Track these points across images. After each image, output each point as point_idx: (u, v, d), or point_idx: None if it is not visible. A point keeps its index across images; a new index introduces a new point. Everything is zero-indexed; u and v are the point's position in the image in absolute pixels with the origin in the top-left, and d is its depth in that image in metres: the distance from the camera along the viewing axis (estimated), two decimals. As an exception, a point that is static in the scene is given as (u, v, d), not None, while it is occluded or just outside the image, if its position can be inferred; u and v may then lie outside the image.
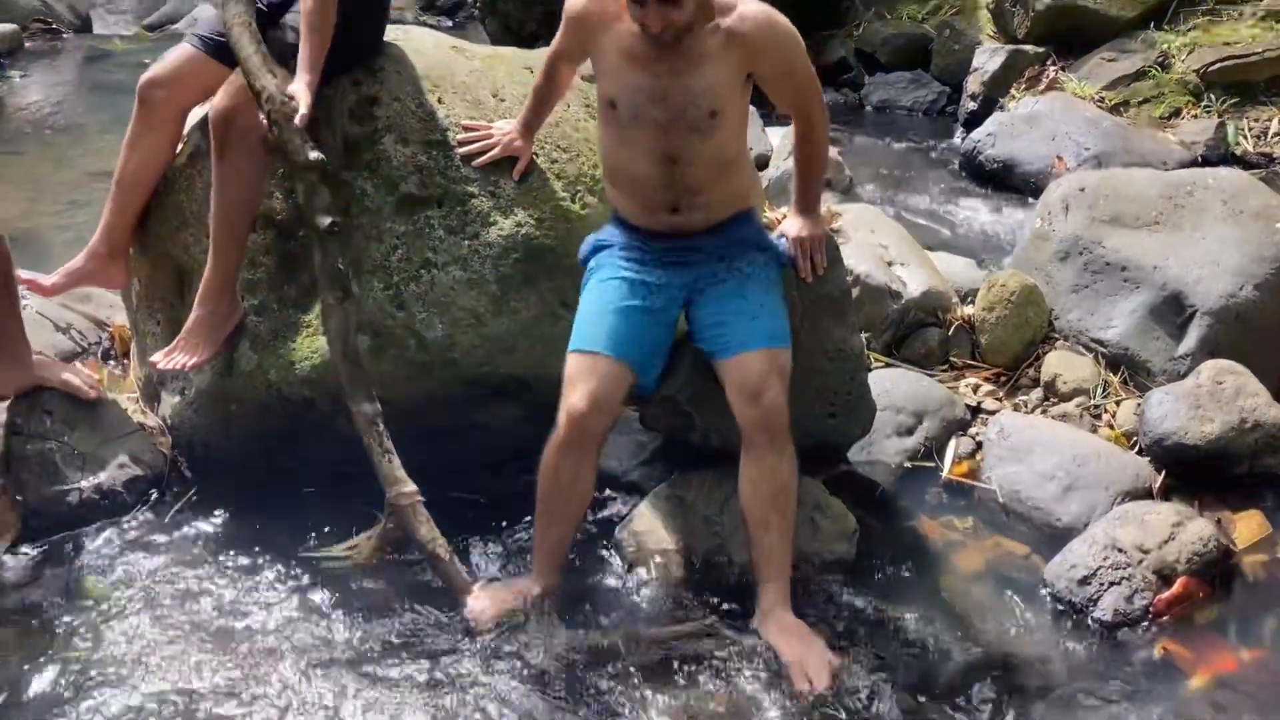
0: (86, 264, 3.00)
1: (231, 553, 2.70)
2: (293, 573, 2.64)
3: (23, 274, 2.92)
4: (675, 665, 2.36)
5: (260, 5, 2.82)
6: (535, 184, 2.93)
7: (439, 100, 2.93)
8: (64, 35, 8.35)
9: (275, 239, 2.90)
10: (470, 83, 3.02)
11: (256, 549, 2.71)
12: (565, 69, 2.81)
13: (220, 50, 2.81)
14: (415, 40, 3.11)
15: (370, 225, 2.84)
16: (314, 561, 2.68)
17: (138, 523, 2.79)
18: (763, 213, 3.51)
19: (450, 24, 8.99)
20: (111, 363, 3.50)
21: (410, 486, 2.55)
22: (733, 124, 2.55)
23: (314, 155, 2.59)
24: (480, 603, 2.47)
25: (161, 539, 2.74)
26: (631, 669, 2.34)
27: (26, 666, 2.35)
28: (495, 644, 2.39)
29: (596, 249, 2.71)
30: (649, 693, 2.29)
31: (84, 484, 2.77)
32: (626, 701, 2.27)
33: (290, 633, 2.46)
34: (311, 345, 2.81)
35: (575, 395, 2.50)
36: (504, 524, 2.80)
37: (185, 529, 2.78)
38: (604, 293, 2.61)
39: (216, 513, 2.83)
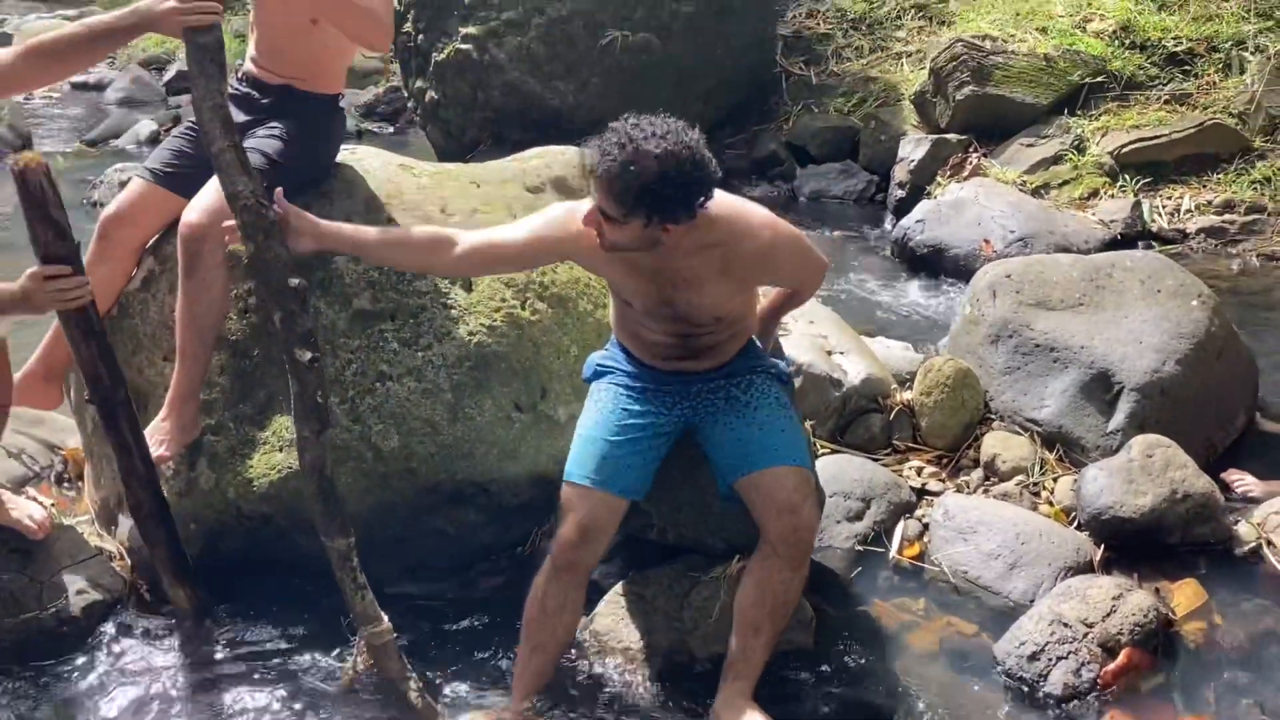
0: (21, 383, 3.03)
1: (199, 675, 2.70)
2: (264, 691, 2.64)
3: None
4: None
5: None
6: (485, 293, 3.03)
7: (389, 218, 3.03)
8: (4, 155, 8.38)
9: (230, 358, 2.95)
10: (419, 199, 3.13)
11: (223, 670, 2.71)
12: (444, 256, 2.59)
13: (174, 180, 2.89)
14: (364, 160, 3.22)
15: (325, 341, 2.91)
16: (287, 679, 2.68)
17: (100, 649, 2.77)
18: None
19: (391, 130, 9.15)
20: (65, 486, 3.50)
21: (383, 624, 2.52)
22: (739, 309, 2.62)
23: (294, 282, 2.46)
24: None
25: (125, 664, 2.73)
26: None
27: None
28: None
29: (599, 373, 2.74)
30: None
31: (43, 614, 2.76)
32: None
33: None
34: (269, 462, 2.85)
35: (566, 525, 2.53)
36: (467, 629, 2.83)
37: (149, 653, 2.77)
38: (603, 420, 2.63)
39: (179, 634, 2.82)
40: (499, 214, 3.19)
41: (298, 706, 2.60)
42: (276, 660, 2.74)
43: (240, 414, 2.94)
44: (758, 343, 2.78)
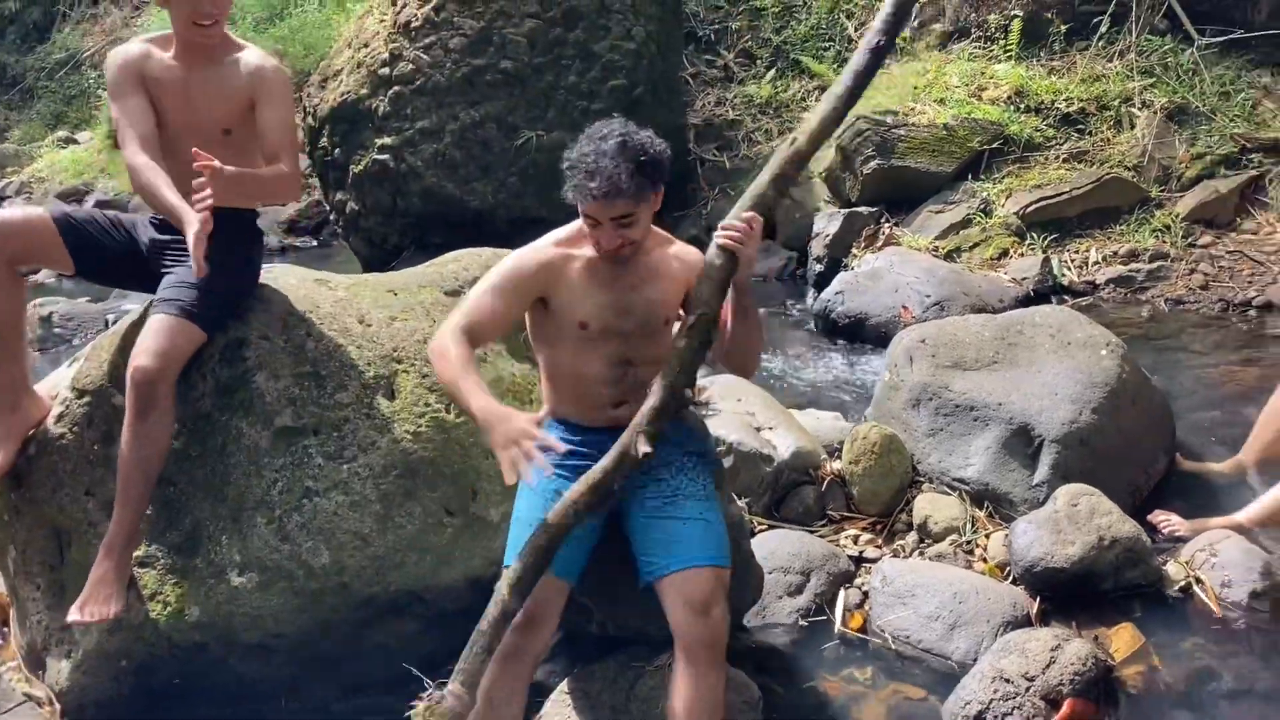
0: None
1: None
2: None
3: None
4: None
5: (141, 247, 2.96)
6: (409, 400, 3.04)
7: (306, 333, 3.04)
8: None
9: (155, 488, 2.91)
10: (336, 312, 3.14)
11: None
12: (501, 331, 2.79)
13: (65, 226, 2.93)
14: (280, 277, 3.24)
15: (248, 462, 2.89)
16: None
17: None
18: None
19: (315, 243, 9.17)
20: (-10, 632, 3.40)
21: (473, 700, 2.37)
22: (669, 337, 2.69)
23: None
24: None
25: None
26: None
27: None
28: None
29: None
30: None
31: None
32: None
33: None
34: (199, 590, 2.81)
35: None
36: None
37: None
38: (536, 504, 2.62)
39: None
40: (418, 320, 3.21)
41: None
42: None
43: (168, 543, 2.89)
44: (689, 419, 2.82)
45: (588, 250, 2.65)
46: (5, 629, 3.35)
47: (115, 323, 3.37)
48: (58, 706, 2.90)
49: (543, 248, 2.69)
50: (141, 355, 2.73)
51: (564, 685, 2.84)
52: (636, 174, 2.51)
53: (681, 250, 2.75)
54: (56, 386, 3.14)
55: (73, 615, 2.73)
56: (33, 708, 2.87)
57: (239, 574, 2.81)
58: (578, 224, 2.65)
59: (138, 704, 2.86)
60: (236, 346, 2.97)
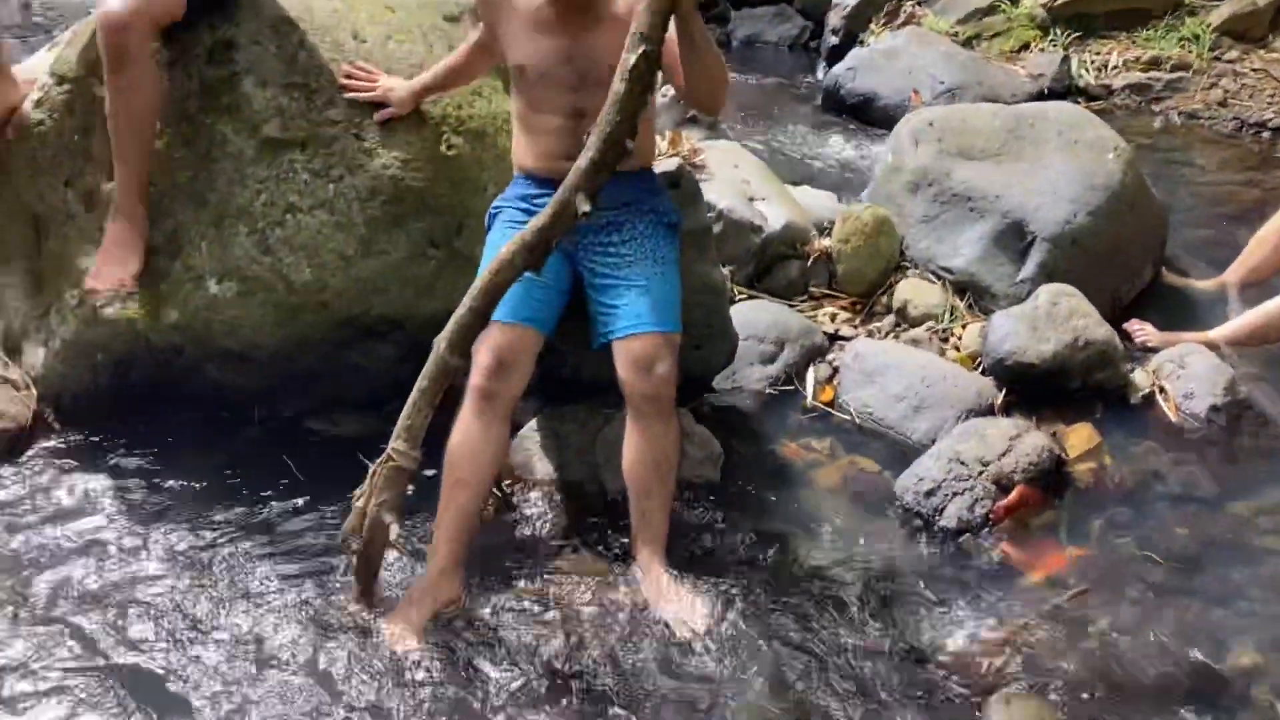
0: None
1: (114, 501, 2.72)
2: (181, 509, 2.70)
3: None
4: (558, 615, 2.43)
5: None
6: (401, 127, 2.95)
7: (299, 42, 2.92)
8: None
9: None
10: (330, 24, 3.01)
11: (137, 496, 2.73)
12: (483, 58, 2.86)
13: None
14: (272, -21, 3.08)
15: (233, 170, 2.83)
16: (205, 500, 2.72)
17: (8, 479, 2.76)
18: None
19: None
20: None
21: (417, 454, 2.37)
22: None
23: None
24: (397, 628, 2.36)
25: (38, 489, 2.73)
26: (513, 623, 2.39)
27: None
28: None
29: (494, 215, 2.74)
30: (532, 641, 2.35)
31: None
32: (506, 655, 2.31)
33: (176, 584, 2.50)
34: (178, 293, 2.80)
35: (482, 356, 2.52)
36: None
37: (61, 479, 2.77)
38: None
39: (89, 462, 2.82)
40: (414, 43, 3.09)
41: (218, 529, 2.64)
42: (195, 484, 2.77)
43: (150, 244, 2.86)
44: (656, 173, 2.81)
45: None
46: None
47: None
48: (34, 391, 2.95)
49: None
50: (110, 2, 2.62)
51: (533, 423, 2.92)
52: None
53: None
54: (35, 72, 3.03)
55: (89, 283, 2.74)
56: (8, 389, 2.90)
57: (217, 282, 2.81)
58: None
59: (114, 399, 2.91)
60: (224, 48, 2.85)
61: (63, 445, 2.88)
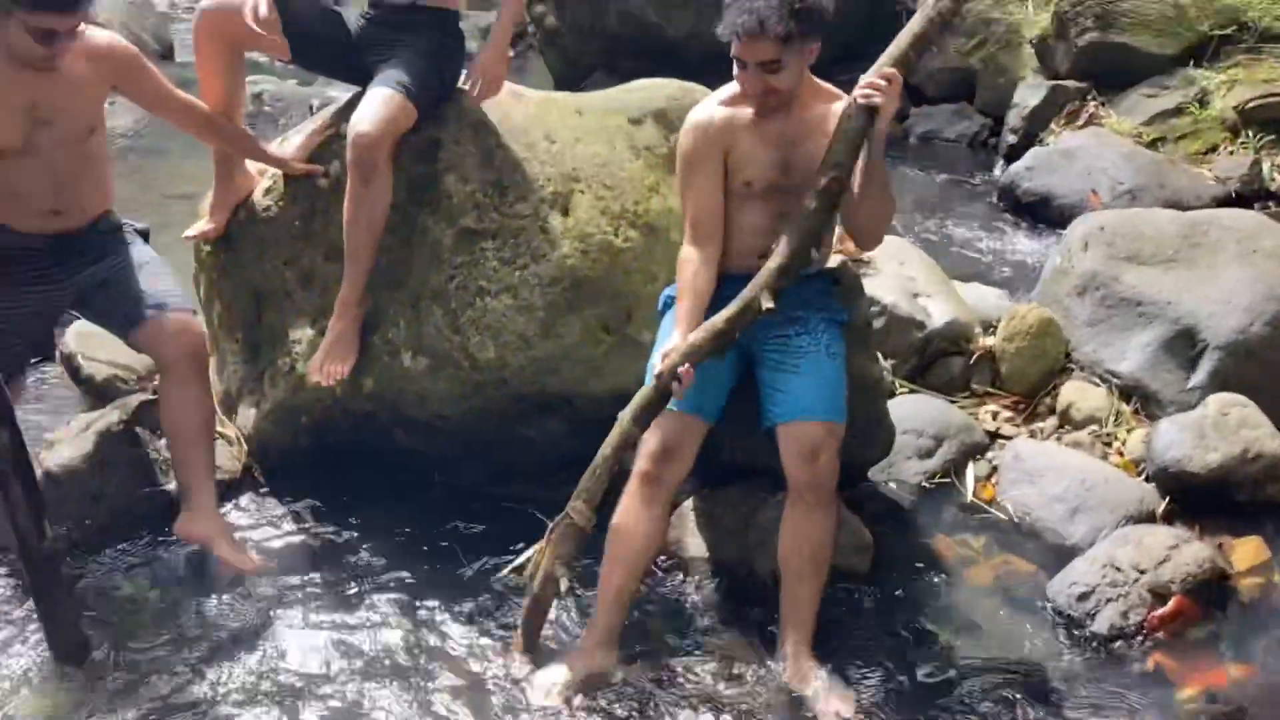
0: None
1: (310, 550, 3.01)
2: (375, 564, 2.96)
3: None
4: (701, 692, 2.54)
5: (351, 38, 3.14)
6: (582, 219, 3.19)
7: (496, 143, 3.20)
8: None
9: (335, 266, 3.12)
10: (525, 125, 3.29)
11: (335, 551, 3.02)
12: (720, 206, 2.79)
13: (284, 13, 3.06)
14: (476, 84, 3.38)
15: (431, 256, 3.12)
16: (392, 554, 2.97)
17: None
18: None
19: (512, 54, 9.24)
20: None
21: (593, 516, 2.60)
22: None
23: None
24: (548, 684, 2.53)
25: (242, 539, 3.02)
26: (657, 697, 2.52)
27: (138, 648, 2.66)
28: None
29: (668, 304, 2.89)
30: (672, 716, 2.46)
31: (169, 486, 3.06)
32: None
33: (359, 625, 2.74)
34: (375, 364, 3.08)
35: (650, 443, 2.67)
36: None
37: (263, 530, 3.08)
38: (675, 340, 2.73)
39: (290, 516, 3.11)
40: (599, 145, 3.32)
41: (400, 579, 2.90)
42: (379, 537, 3.04)
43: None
44: (833, 278, 2.91)
45: (747, 111, 2.70)
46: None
47: (320, 107, 3.60)
48: (245, 447, 3.28)
49: (711, 107, 2.76)
50: (363, 122, 2.92)
51: (689, 503, 3.05)
52: (789, 18, 2.54)
53: (824, 93, 2.75)
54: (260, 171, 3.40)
55: (313, 376, 3.03)
56: (223, 445, 3.23)
57: (411, 356, 3.07)
58: (735, 84, 2.70)
59: (313, 457, 3.21)
60: (431, 147, 3.15)
61: (267, 497, 3.19)
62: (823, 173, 2.60)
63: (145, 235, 3.09)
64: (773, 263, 2.60)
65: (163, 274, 2.97)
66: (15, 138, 2.74)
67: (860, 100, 2.60)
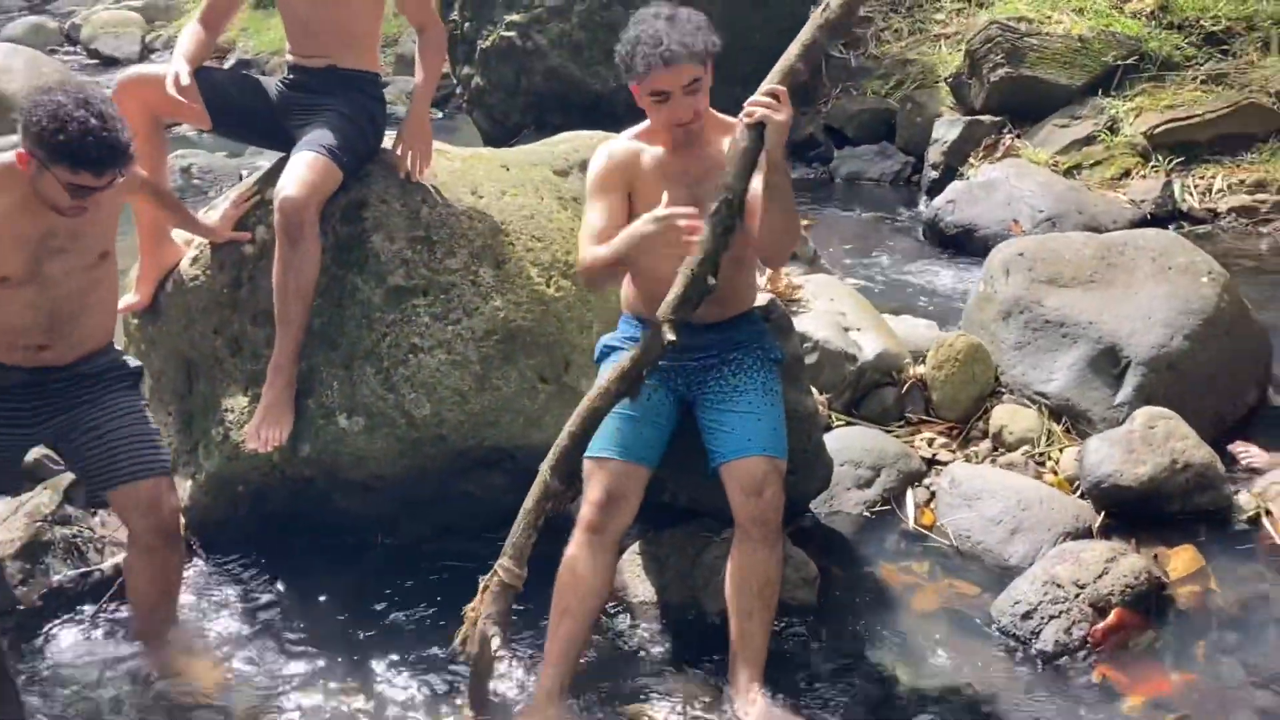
0: None
1: (247, 619, 2.96)
2: (303, 631, 2.91)
3: None
4: None
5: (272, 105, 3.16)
6: (512, 271, 3.21)
7: (422, 200, 3.22)
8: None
9: (265, 331, 3.12)
10: (450, 182, 3.31)
11: (268, 614, 2.97)
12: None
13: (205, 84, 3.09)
14: (399, 145, 3.41)
15: (361, 315, 3.11)
16: (324, 620, 2.92)
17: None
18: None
19: (440, 115, 9.34)
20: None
21: (522, 572, 2.56)
22: (741, 249, 2.73)
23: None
24: None
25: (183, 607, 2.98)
26: None
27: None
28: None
29: (605, 353, 2.90)
30: None
31: (104, 565, 3.00)
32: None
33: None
34: (310, 428, 3.06)
35: (593, 492, 2.68)
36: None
37: (199, 602, 3.02)
38: None
39: (228, 583, 3.06)
40: (526, 196, 3.36)
41: (342, 643, 2.84)
42: (322, 603, 3.00)
43: (285, 384, 3.15)
44: (760, 316, 2.94)
45: (657, 148, 2.74)
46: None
47: (248, 176, 3.61)
48: (182, 520, 3.21)
49: (622, 140, 2.81)
50: (288, 187, 2.93)
51: (635, 548, 3.05)
52: (698, 35, 2.62)
53: (724, 121, 2.77)
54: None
55: (249, 444, 3.00)
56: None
57: (346, 417, 3.06)
58: (647, 122, 2.76)
59: (252, 526, 3.17)
60: (357, 207, 3.17)
61: (206, 569, 3.14)
62: (713, 196, 2.56)
63: (139, 375, 2.91)
64: (671, 293, 2.55)
65: (144, 435, 2.77)
66: (20, 268, 2.59)
67: (745, 120, 2.60)
